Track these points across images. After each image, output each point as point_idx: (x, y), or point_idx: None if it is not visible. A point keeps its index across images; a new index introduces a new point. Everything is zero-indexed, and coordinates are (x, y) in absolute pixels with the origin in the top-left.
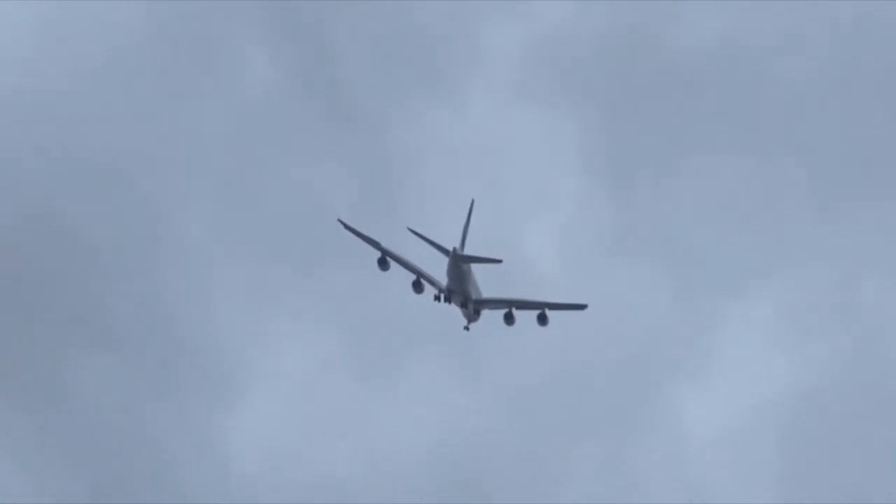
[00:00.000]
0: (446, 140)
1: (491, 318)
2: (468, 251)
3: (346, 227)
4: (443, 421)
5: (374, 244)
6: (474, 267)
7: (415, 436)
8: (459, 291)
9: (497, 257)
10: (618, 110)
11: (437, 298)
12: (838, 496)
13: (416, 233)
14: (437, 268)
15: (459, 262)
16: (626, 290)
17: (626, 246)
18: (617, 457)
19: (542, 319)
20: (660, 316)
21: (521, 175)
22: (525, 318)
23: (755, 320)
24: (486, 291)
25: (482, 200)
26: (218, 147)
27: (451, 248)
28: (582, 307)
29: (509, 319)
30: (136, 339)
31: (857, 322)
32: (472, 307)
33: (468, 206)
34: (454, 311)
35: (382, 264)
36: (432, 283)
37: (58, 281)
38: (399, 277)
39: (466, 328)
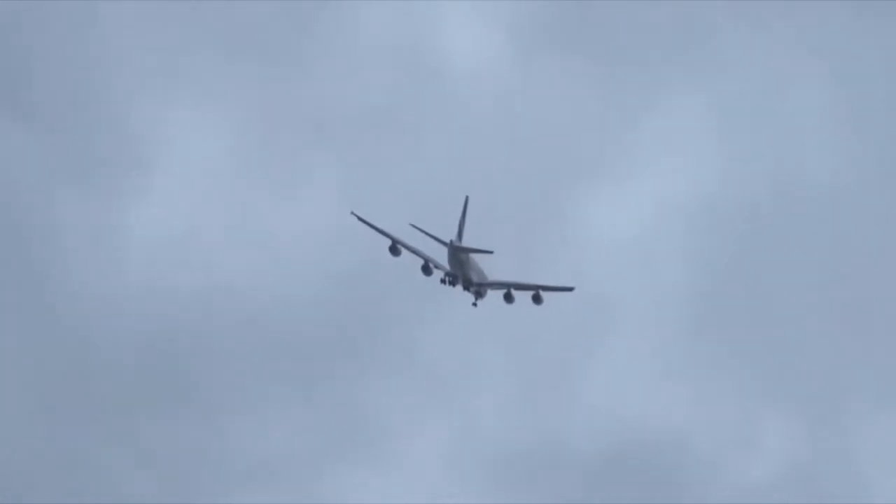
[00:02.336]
0: None
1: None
2: (465, 242)
3: (360, 219)
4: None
5: (386, 234)
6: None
7: (313, 235)
8: (461, 276)
9: (489, 249)
10: None
11: (443, 281)
12: (745, 299)
13: (417, 227)
14: (443, 253)
15: (456, 253)
16: (554, 87)
17: (560, 42)
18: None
19: (537, 299)
20: (582, 115)
21: None
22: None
23: (677, 122)
24: (495, 273)
25: None
26: None
27: (448, 242)
28: (569, 289)
29: (509, 299)
30: (50, 115)
31: (778, 128)
32: (474, 289)
33: (463, 202)
34: None
35: (394, 251)
36: (438, 267)
37: None
38: (410, 261)
39: (475, 304)
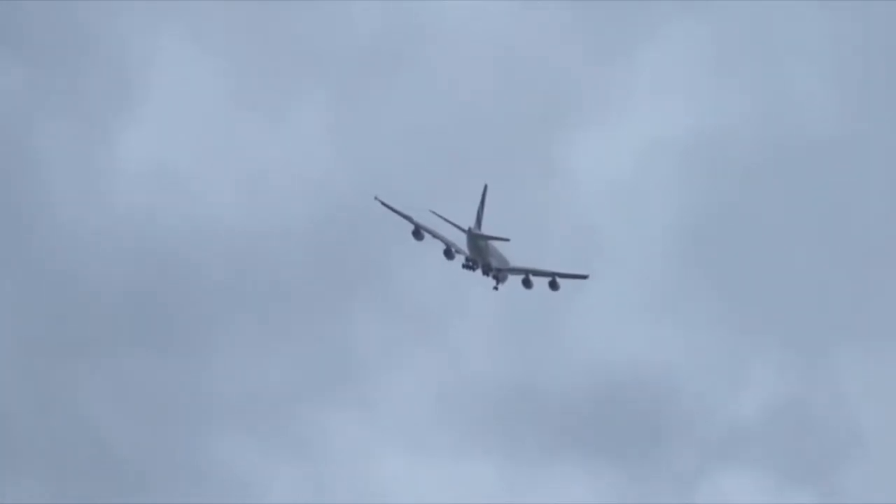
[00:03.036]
0: None
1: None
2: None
3: (383, 203)
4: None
5: (408, 219)
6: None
7: (302, 171)
8: (481, 261)
9: (505, 237)
10: None
11: (465, 266)
12: (735, 239)
13: (437, 214)
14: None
15: (475, 240)
16: (539, 34)
17: None
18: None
19: (553, 285)
20: (575, 53)
21: None
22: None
23: (672, 61)
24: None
25: None
26: None
27: (466, 229)
28: (584, 277)
29: (527, 284)
30: (40, 47)
31: (774, 68)
32: (493, 274)
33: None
34: None
35: (417, 235)
36: (459, 251)
37: None
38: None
39: (496, 288)
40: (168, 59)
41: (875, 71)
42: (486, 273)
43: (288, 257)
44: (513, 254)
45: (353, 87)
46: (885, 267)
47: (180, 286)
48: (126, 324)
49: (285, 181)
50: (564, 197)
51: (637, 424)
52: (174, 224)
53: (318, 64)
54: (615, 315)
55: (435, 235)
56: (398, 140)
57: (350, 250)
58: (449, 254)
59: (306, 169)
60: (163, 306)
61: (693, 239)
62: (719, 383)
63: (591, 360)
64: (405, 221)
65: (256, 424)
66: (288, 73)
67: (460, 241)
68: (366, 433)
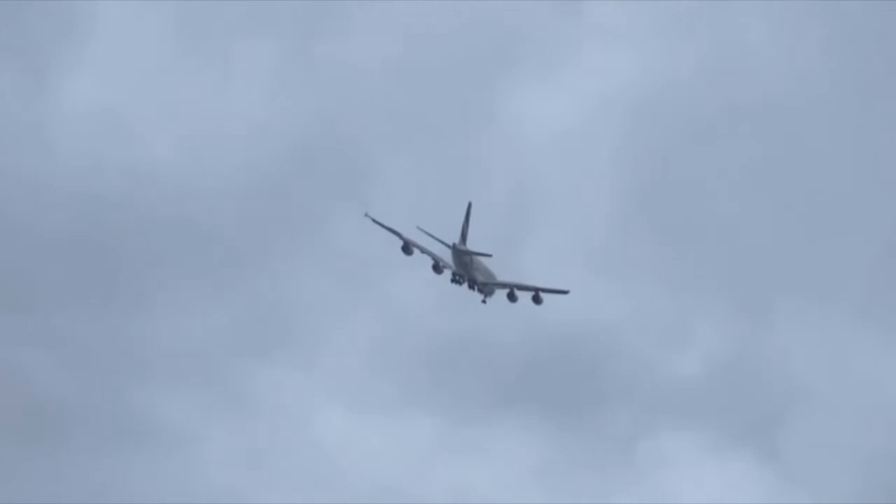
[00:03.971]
0: None
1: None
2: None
3: (374, 220)
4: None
5: (398, 235)
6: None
7: (244, 115)
8: (466, 276)
9: (488, 252)
10: None
11: (453, 280)
12: (678, 196)
13: (424, 231)
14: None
15: (459, 255)
16: None
17: None
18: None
19: (536, 299)
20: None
21: None
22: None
23: (616, 15)
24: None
25: None
26: None
27: (451, 244)
28: (564, 292)
29: (512, 298)
30: None
31: (718, 22)
32: (478, 288)
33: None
34: None
35: (406, 250)
36: (447, 266)
37: None
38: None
39: (484, 301)
40: (112, 3)
41: (825, 24)
42: (472, 287)
43: (227, 207)
44: (497, 263)
45: (298, 36)
46: (829, 224)
47: (119, 233)
48: (61, 270)
49: (228, 129)
50: (508, 148)
51: (578, 381)
52: (114, 170)
53: (264, 12)
54: (556, 269)
55: (423, 251)
56: (343, 89)
57: (290, 200)
58: (437, 268)
59: (249, 117)
60: (100, 253)
61: (638, 194)
62: (661, 340)
63: (532, 316)
64: (395, 237)
65: (192, 375)
66: (233, 19)
67: (448, 256)
68: (303, 387)
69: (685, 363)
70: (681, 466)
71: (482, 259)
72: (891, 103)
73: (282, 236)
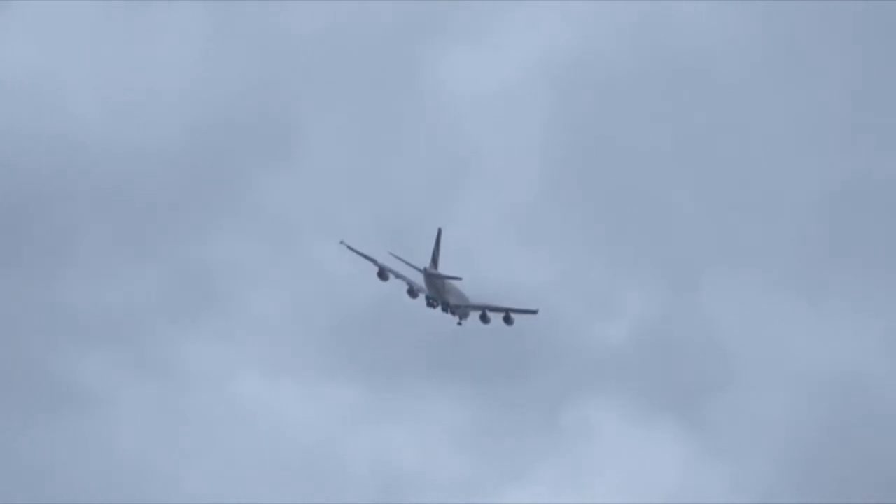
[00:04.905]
0: None
1: None
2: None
3: (349, 248)
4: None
5: (373, 261)
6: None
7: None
8: (438, 299)
9: (458, 276)
10: None
11: (428, 304)
12: (606, 162)
13: (397, 257)
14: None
15: (431, 279)
16: None
17: None
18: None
19: (508, 320)
20: None
21: None
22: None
23: None
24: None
25: None
26: None
27: (422, 269)
28: (533, 312)
29: (484, 319)
30: None
31: None
32: (451, 311)
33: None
34: None
35: (382, 276)
36: (422, 290)
37: None
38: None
39: (459, 324)
40: None
41: None
42: (445, 310)
43: (153, 171)
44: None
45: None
46: (757, 193)
47: (43, 197)
48: None
49: (155, 93)
50: (436, 112)
51: (503, 347)
52: (38, 134)
53: None
54: (483, 235)
55: (398, 276)
56: (271, 52)
57: (216, 165)
58: (412, 293)
59: (176, 81)
60: (24, 217)
61: (566, 158)
62: (588, 306)
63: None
64: (370, 264)
65: (113, 339)
66: None
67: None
68: (224, 353)
69: (611, 330)
70: (605, 434)
71: (454, 283)
72: (820, 71)
73: (207, 200)
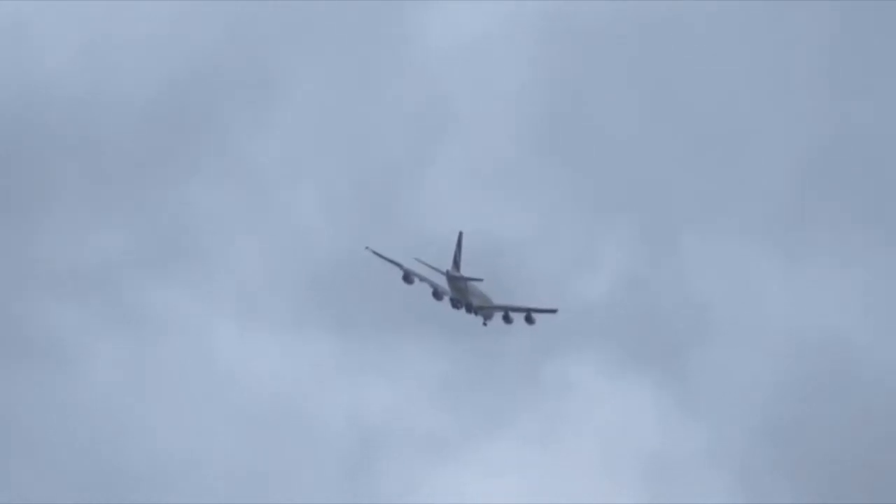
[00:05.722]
0: None
1: None
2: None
3: (375, 253)
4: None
5: (399, 266)
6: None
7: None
8: (462, 301)
9: (479, 277)
10: None
11: (453, 306)
12: (587, 114)
13: (421, 261)
14: None
15: (454, 281)
16: None
17: None
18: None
19: (529, 320)
20: None
21: None
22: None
23: None
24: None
25: None
26: None
27: (444, 271)
28: (553, 311)
29: (507, 320)
30: None
31: None
32: (475, 312)
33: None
34: None
35: (407, 280)
36: (445, 293)
37: None
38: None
39: (484, 324)
40: None
41: None
42: (468, 311)
43: (127, 120)
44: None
45: None
46: (736, 148)
47: (14, 146)
48: None
49: (129, 40)
50: (416, 62)
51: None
52: (10, 81)
53: None
54: (463, 187)
55: (423, 279)
56: (249, 3)
57: (191, 113)
58: (437, 295)
59: (151, 28)
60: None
61: (546, 111)
62: (567, 261)
63: (438, 232)
64: (396, 268)
65: (86, 290)
66: None
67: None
68: (199, 304)
69: (590, 285)
70: (583, 389)
71: (476, 284)
72: (798, 24)
73: (184, 151)
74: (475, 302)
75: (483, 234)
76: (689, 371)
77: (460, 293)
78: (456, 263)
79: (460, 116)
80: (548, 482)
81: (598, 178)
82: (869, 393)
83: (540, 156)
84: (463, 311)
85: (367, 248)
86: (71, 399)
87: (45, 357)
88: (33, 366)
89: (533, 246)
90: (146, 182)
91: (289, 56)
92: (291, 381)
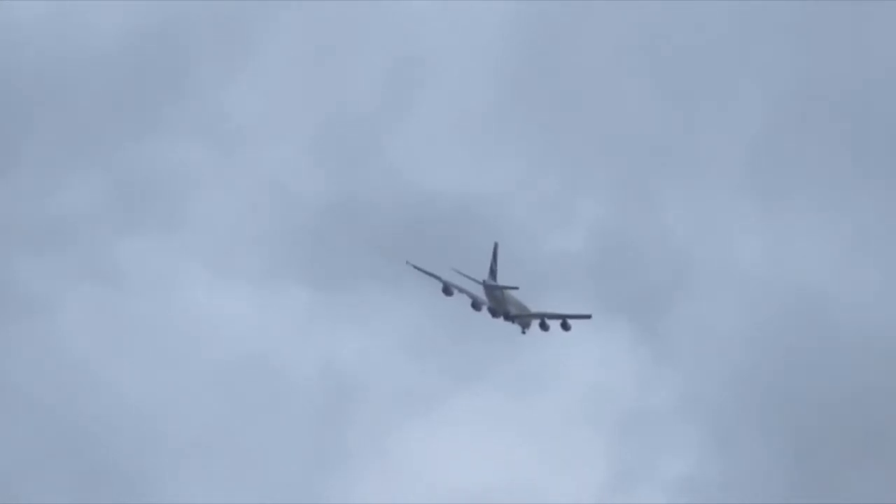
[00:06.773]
0: None
1: None
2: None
3: (415, 266)
4: None
5: (438, 278)
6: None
7: None
8: (500, 309)
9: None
10: None
11: (492, 315)
12: (562, 65)
13: (459, 272)
14: None
15: (491, 291)
16: None
17: None
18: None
19: (565, 326)
20: None
21: None
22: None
23: None
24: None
25: None
26: None
27: (481, 281)
28: (587, 317)
29: (544, 327)
30: None
31: None
32: (512, 320)
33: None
34: None
35: (446, 292)
36: (483, 303)
37: None
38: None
39: (523, 332)
40: None
41: None
42: (506, 319)
43: (97, 71)
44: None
45: None
46: (712, 98)
47: None
48: None
49: None
50: (390, 17)
51: (457, 252)
52: None
53: None
54: (439, 141)
55: (461, 290)
56: None
57: (164, 69)
58: (476, 306)
59: None
60: None
61: (524, 62)
62: (543, 213)
63: (415, 188)
64: (436, 280)
65: (57, 243)
66: None
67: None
68: (170, 256)
69: (566, 237)
70: (558, 341)
71: (512, 292)
72: None
73: (153, 102)
74: (512, 311)
75: (458, 187)
76: (667, 322)
77: (497, 303)
78: (492, 273)
79: (436, 69)
80: (523, 434)
81: (575, 131)
82: (847, 344)
83: (517, 108)
84: (501, 319)
85: (407, 262)
86: (41, 352)
87: (15, 310)
88: (2, 319)
89: (509, 199)
90: (117, 134)
91: (264, 7)
92: (263, 332)
